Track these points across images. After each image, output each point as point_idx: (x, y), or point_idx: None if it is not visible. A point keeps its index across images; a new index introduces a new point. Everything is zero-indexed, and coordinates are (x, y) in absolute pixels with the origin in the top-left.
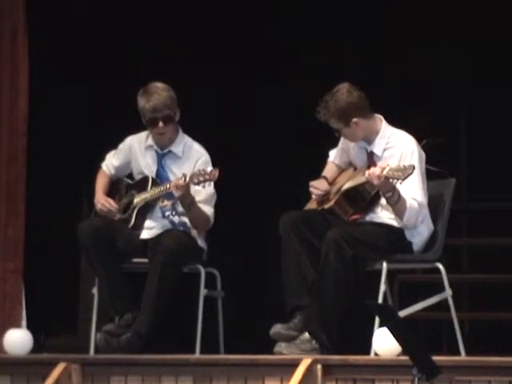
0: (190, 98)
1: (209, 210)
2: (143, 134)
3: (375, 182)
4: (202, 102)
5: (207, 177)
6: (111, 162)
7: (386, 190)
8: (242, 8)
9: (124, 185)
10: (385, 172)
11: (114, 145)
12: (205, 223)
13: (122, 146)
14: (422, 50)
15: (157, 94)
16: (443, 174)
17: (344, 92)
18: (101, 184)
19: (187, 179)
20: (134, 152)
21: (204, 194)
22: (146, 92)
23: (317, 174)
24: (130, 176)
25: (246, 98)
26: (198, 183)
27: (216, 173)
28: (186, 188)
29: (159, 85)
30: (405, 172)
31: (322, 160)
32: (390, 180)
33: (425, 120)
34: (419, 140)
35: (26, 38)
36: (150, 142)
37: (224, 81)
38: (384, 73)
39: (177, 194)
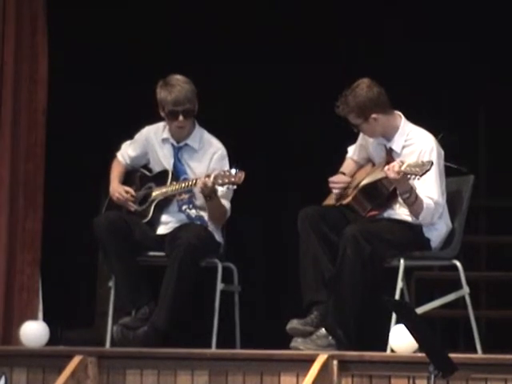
0: (203, 93)
1: (226, 203)
2: (160, 125)
3: (392, 176)
4: (215, 97)
5: (232, 179)
6: (127, 152)
7: (404, 190)
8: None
9: (139, 176)
10: (403, 168)
11: (131, 136)
12: (222, 216)
13: (138, 136)
14: (440, 47)
15: (179, 87)
16: (462, 170)
17: (364, 87)
18: (116, 173)
19: (211, 179)
20: (151, 143)
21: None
22: (167, 84)
23: (335, 170)
24: (145, 167)
25: (258, 98)
26: (222, 184)
27: (242, 175)
28: (212, 188)
29: (180, 77)
30: (422, 168)
31: (341, 155)
32: (408, 176)
33: (443, 116)
34: (435, 135)
35: (45, 31)
36: (166, 134)
37: (237, 79)
38: (402, 69)
39: (201, 191)
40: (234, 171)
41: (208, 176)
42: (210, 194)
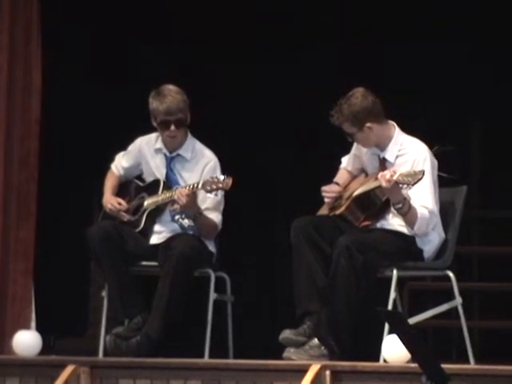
0: (195, 100)
1: (216, 216)
2: (153, 136)
3: (384, 184)
4: (208, 106)
5: (220, 185)
6: (120, 163)
7: (396, 200)
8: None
9: (133, 186)
10: (395, 177)
11: (125, 147)
12: (212, 231)
13: (131, 147)
14: (437, 51)
15: (170, 97)
16: (455, 180)
17: (358, 96)
18: (110, 184)
19: (199, 186)
20: (143, 154)
21: (212, 201)
22: (159, 94)
23: (329, 179)
24: (139, 177)
25: (254, 104)
26: (210, 191)
27: (229, 181)
28: (190, 197)
29: (172, 87)
30: (415, 177)
31: (335, 165)
32: (400, 186)
33: (438, 127)
34: (430, 146)
35: (39, 41)
36: (159, 144)
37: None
38: (397, 76)
39: (181, 202)
40: (222, 177)
41: (187, 186)
42: (193, 211)
